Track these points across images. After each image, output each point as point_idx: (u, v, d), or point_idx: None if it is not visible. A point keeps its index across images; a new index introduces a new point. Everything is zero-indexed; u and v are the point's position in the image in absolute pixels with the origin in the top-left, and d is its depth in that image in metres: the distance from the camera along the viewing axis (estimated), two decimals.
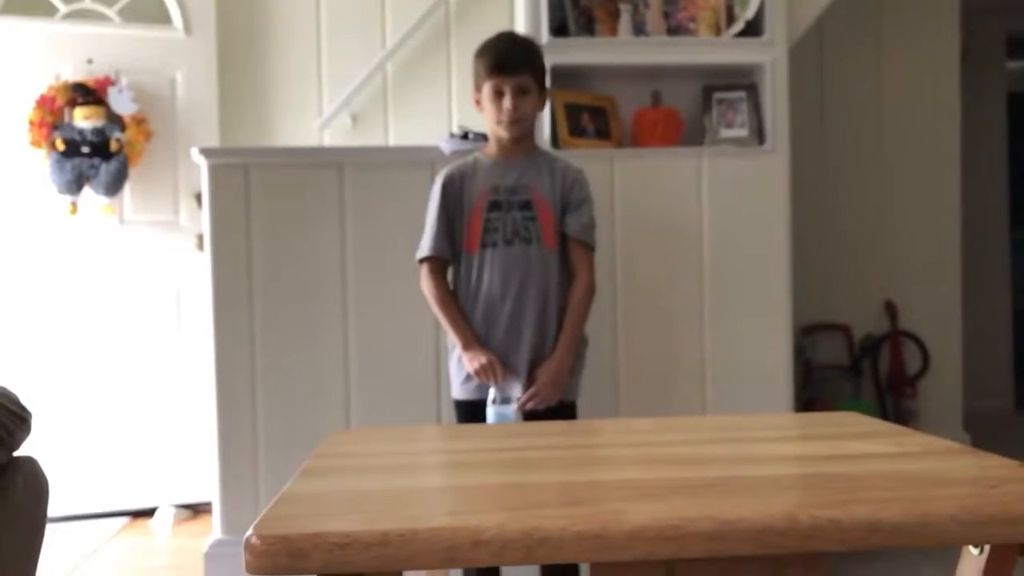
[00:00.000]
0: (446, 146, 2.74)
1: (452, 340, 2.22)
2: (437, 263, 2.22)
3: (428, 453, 1.08)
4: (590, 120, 2.87)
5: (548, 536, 0.72)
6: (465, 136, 2.79)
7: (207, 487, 2.73)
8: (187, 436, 3.33)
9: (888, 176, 3.86)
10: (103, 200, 3.34)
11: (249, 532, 0.71)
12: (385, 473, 0.97)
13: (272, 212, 2.65)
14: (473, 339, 2.17)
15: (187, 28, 3.51)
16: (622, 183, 2.76)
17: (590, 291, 2.23)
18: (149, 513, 3.32)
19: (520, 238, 2.20)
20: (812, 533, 0.73)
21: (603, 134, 2.86)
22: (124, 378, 3.38)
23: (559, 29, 2.78)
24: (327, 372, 2.64)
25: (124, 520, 3.30)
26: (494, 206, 2.21)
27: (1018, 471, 0.87)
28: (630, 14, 2.82)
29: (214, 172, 2.64)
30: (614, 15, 2.83)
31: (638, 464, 0.98)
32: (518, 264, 2.19)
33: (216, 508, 2.63)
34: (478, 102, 2.27)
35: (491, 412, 2.13)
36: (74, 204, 3.31)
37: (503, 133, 2.23)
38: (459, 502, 0.82)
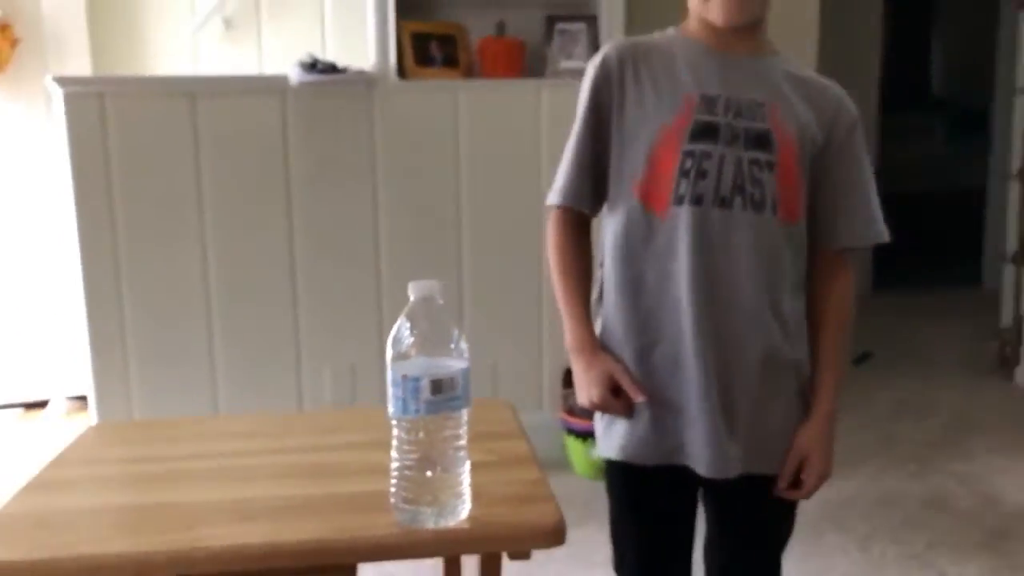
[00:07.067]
0: (294, 75, 2.81)
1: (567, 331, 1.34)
2: (568, 213, 1.35)
3: (145, 461, 1.32)
4: (438, 48, 2.95)
5: None
6: (313, 66, 2.85)
7: None
8: (79, 329, 3.53)
9: None
10: None
11: None
12: (104, 490, 1.22)
13: (129, 141, 2.75)
14: (589, 342, 1.32)
15: None
16: (467, 115, 2.88)
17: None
18: (42, 405, 3.59)
19: (745, 196, 1.24)
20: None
21: (452, 62, 2.95)
22: (15, 271, 3.53)
23: None
24: (190, 295, 2.83)
25: (18, 411, 3.56)
26: (704, 131, 1.25)
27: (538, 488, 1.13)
28: None
29: (69, 101, 2.74)
30: None
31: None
32: (739, 242, 1.25)
33: (91, 399, 2.84)
34: None
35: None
36: None
37: (717, 16, 1.26)
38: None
